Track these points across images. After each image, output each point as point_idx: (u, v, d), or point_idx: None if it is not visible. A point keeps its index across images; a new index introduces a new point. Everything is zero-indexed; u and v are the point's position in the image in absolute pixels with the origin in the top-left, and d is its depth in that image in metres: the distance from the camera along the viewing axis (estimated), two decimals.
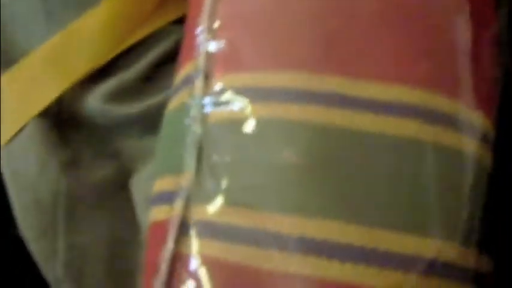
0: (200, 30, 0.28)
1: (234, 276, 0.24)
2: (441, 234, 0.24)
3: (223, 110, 0.27)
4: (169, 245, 0.26)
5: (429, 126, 0.25)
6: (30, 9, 0.38)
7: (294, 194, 0.25)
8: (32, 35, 0.38)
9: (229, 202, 0.25)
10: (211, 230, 0.25)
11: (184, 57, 0.30)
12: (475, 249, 0.25)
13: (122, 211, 0.37)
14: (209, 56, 0.27)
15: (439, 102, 0.25)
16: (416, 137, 0.25)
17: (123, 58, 0.37)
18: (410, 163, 0.25)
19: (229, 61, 0.27)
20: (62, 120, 0.37)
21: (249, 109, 0.26)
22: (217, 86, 0.27)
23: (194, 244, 0.25)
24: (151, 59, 0.37)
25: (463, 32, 0.27)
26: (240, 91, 0.26)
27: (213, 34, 0.28)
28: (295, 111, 0.25)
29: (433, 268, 0.24)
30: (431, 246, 0.24)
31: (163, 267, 0.26)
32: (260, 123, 0.26)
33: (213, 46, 0.28)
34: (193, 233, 0.26)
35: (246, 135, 0.26)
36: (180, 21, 0.33)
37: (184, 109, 0.28)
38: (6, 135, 0.35)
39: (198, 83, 0.27)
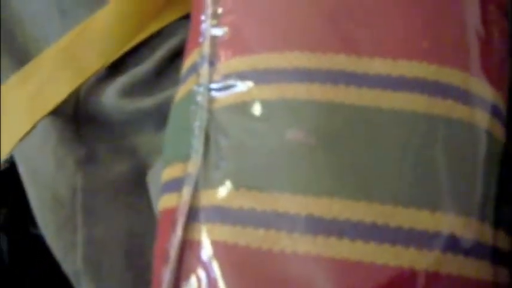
0: (204, 17, 0.28)
1: (243, 260, 0.24)
2: (456, 210, 0.24)
3: (229, 94, 0.26)
4: (178, 232, 0.25)
5: (439, 100, 0.24)
6: (45, 7, 0.39)
7: (302, 173, 0.24)
8: (49, 33, 0.38)
9: (238, 185, 0.25)
10: (220, 215, 0.25)
11: (190, 46, 0.30)
12: (492, 225, 0.25)
13: (139, 205, 0.37)
14: (213, 41, 0.27)
15: (448, 75, 0.25)
16: (425, 111, 0.24)
17: (135, 54, 0.37)
18: (420, 138, 0.24)
19: (233, 45, 0.27)
20: (77, 117, 0.37)
21: (254, 92, 0.26)
22: (223, 71, 0.27)
23: (203, 230, 0.25)
24: (163, 54, 0.37)
25: (470, 5, 0.26)
26: (245, 74, 0.26)
27: (218, 20, 0.28)
28: (300, 91, 0.25)
29: (448, 245, 0.23)
30: (446, 222, 0.23)
31: (173, 255, 0.25)
32: (266, 105, 0.25)
33: (217, 32, 0.27)
34: (202, 218, 0.25)
35: (253, 117, 0.25)
36: (189, 16, 0.33)
37: (190, 96, 0.28)
38: (20, 133, 0.35)
39: (204, 70, 0.27)
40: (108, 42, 0.37)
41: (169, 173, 0.28)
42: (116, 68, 0.37)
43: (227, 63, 0.27)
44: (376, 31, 0.25)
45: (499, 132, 0.25)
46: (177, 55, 0.37)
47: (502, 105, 0.26)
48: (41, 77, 0.36)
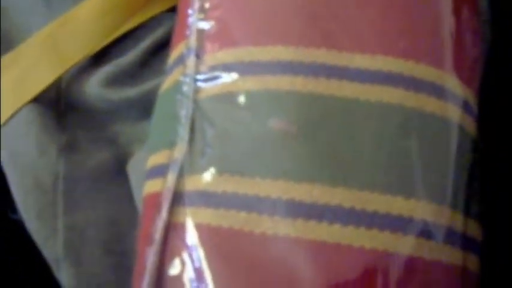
0: (192, 11, 0.29)
1: (226, 241, 0.25)
2: (428, 197, 0.25)
3: (214, 85, 0.27)
4: (163, 214, 0.26)
5: (413, 93, 0.26)
6: None
7: (283, 160, 0.25)
8: (33, 23, 0.39)
9: (221, 171, 0.26)
10: (204, 199, 0.26)
11: (176, 38, 0.30)
12: (463, 214, 0.26)
13: (120, 193, 0.37)
14: (200, 34, 0.28)
15: (422, 71, 0.26)
16: (400, 103, 0.26)
17: (120, 44, 0.38)
18: (395, 128, 0.25)
19: (219, 39, 0.28)
20: (60, 104, 0.38)
21: (239, 83, 0.27)
22: (209, 63, 0.28)
23: (188, 213, 0.26)
24: (147, 45, 0.38)
25: (445, 6, 0.28)
26: (230, 66, 0.27)
27: (205, 14, 0.28)
28: (283, 83, 0.26)
29: (421, 230, 0.25)
30: (419, 208, 0.25)
31: (157, 237, 0.26)
32: (250, 95, 0.26)
33: (204, 25, 0.28)
34: (186, 202, 0.26)
35: (237, 106, 0.26)
36: (174, 9, 0.34)
37: (177, 86, 0.29)
38: (2, 118, 0.36)
39: (190, 61, 0.28)
40: (92, 33, 0.37)
41: (154, 159, 0.29)
42: (99, 57, 0.38)
43: (213, 55, 0.28)
44: (355, 27, 0.26)
45: (470, 127, 0.27)
46: (161, 47, 0.37)
47: (473, 102, 0.28)
48: (24, 64, 0.37)
